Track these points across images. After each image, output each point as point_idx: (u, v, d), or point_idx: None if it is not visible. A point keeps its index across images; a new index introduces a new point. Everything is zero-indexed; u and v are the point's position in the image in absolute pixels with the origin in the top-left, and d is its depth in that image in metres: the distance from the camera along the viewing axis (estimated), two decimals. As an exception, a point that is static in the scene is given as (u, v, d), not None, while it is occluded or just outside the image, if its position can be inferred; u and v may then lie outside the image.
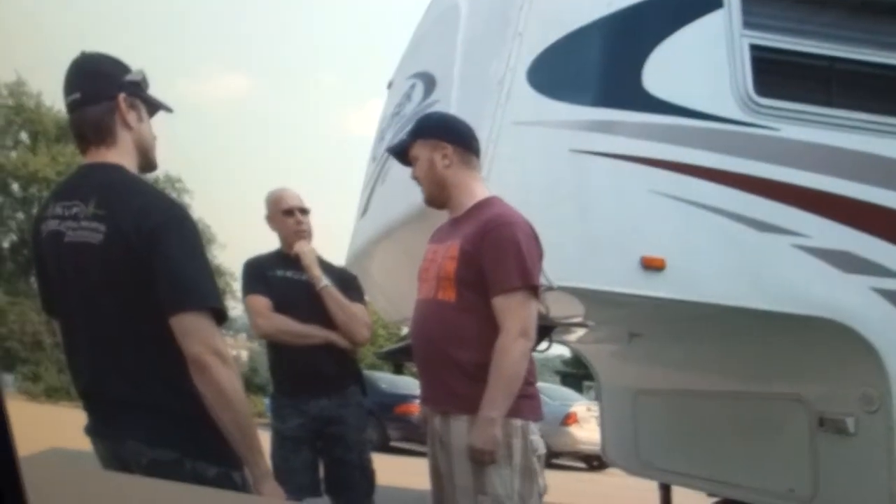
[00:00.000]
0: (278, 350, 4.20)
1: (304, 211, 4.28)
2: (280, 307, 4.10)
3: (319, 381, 4.12)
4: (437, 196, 3.30)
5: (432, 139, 3.26)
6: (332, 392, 4.15)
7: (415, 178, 3.34)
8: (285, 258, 4.23)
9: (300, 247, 4.17)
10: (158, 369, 2.38)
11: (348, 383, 4.22)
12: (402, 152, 3.42)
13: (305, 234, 4.24)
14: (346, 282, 4.31)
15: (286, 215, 4.24)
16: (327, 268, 4.24)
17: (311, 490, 4.08)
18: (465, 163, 3.27)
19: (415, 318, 3.32)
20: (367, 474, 4.18)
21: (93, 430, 2.50)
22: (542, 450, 3.11)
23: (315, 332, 4.06)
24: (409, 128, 3.51)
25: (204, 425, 2.33)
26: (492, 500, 2.98)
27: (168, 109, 2.70)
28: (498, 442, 2.95)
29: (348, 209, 6.28)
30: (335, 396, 4.14)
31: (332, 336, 4.08)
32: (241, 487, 2.40)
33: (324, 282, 4.10)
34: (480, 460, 2.97)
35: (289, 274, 4.19)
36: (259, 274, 4.21)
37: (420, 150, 3.28)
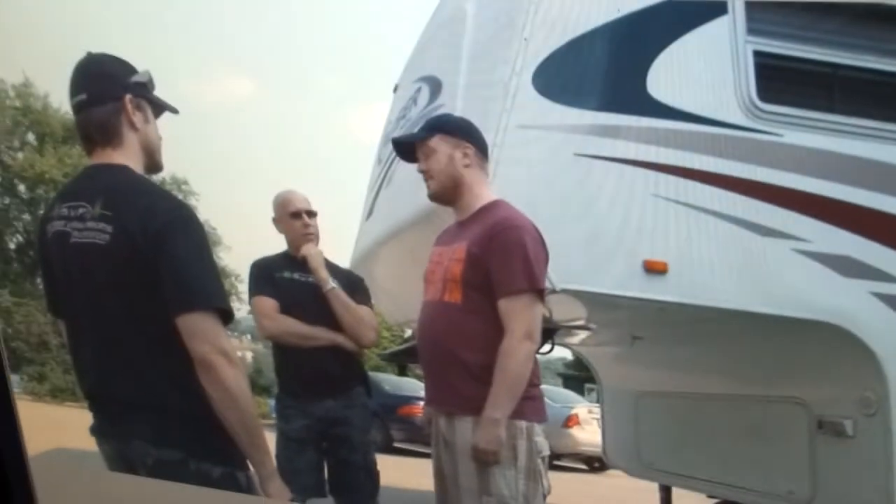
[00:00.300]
0: (284, 351, 4.21)
1: (312, 213, 4.29)
2: (287, 309, 4.11)
3: (325, 382, 4.13)
4: (448, 193, 3.30)
5: (456, 137, 3.28)
6: (338, 393, 4.15)
7: (424, 171, 3.33)
8: (292, 260, 4.24)
9: (307, 249, 4.18)
10: (164, 369, 2.38)
11: (354, 385, 4.23)
12: (411, 145, 3.42)
13: (313, 236, 4.25)
14: (353, 284, 4.32)
15: (293, 217, 4.25)
16: (334, 270, 4.25)
17: (315, 491, 4.09)
18: (481, 166, 3.31)
19: (421, 319, 3.34)
20: (372, 475, 4.19)
21: (98, 431, 2.50)
22: (546, 451, 3.12)
23: (321, 335, 4.07)
24: (424, 123, 3.51)
25: (209, 425, 2.34)
26: (496, 500, 3.00)
27: (174, 111, 2.70)
28: (502, 443, 2.97)
29: (354, 211, 6.29)
30: (341, 398, 4.15)
31: (339, 338, 4.09)
32: (247, 488, 2.41)
33: (331, 284, 4.11)
34: (484, 461, 2.98)
35: (296, 276, 4.19)
36: (266, 275, 4.22)
37: (440, 145, 3.27)
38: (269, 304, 4.11)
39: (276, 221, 4.34)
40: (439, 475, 3.26)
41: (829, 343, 4.06)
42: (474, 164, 3.26)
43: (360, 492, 4.16)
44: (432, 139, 3.30)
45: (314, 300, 4.10)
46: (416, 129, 3.56)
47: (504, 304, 3.03)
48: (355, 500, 4.16)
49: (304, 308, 4.11)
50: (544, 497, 3.10)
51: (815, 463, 4.35)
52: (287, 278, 4.20)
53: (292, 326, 4.08)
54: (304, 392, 4.15)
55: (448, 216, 3.39)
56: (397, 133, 5.09)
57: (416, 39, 5.84)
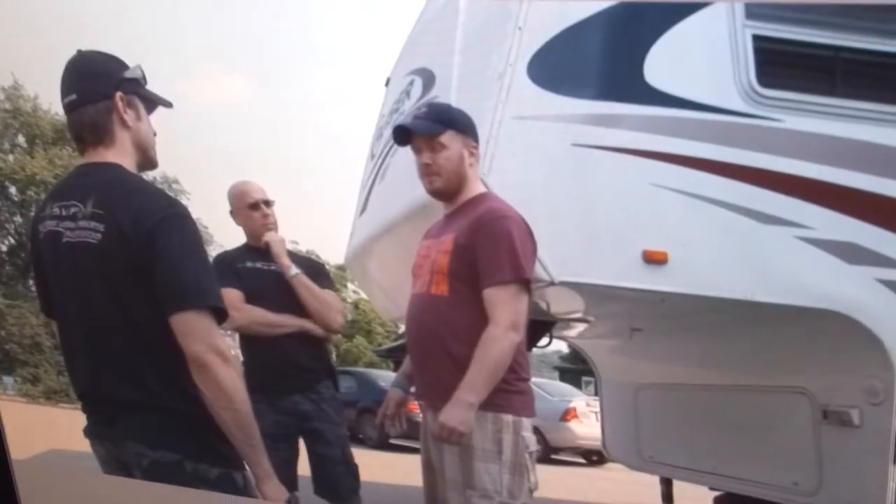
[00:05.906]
0: (252, 346, 4.20)
1: (269, 203, 4.32)
2: (252, 298, 4.11)
3: (294, 376, 4.16)
4: (452, 189, 3.31)
5: (466, 135, 3.31)
6: (306, 388, 4.18)
7: (429, 164, 3.30)
8: (254, 250, 4.26)
9: (270, 236, 4.22)
10: (158, 369, 2.36)
11: (322, 378, 4.25)
12: (409, 134, 3.38)
13: (273, 225, 4.28)
14: (315, 270, 4.34)
15: (252, 209, 4.28)
16: (296, 258, 4.29)
17: (287, 488, 4.09)
18: (478, 163, 3.37)
19: (409, 312, 3.34)
20: (351, 469, 4.20)
21: (92, 432, 2.48)
22: (533, 447, 3.11)
23: (289, 321, 4.10)
24: (430, 114, 3.45)
25: (204, 426, 2.32)
26: (480, 494, 3.00)
27: (168, 105, 2.67)
28: (470, 427, 2.94)
29: (347, 208, 6.25)
30: (309, 392, 4.18)
31: (307, 324, 4.12)
32: (243, 488, 2.39)
33: (294, 270, 4.14)
34: (447, 440, 2.96)
35: (258, 265, 4.21)
36: (229, 267, 4.20)
37: (452, 142, 3.27)
38: (234, 294, 4.08)
39: (234, 214, 4.35)
40: (428, 468, 3.28)
41: (834, 331, 4.01)
42: (475, 163, 3.32)
43: (342, 486, 4.17)
44: (444, 135, 3.28)
45: (279, 288, 4.13)
46: (432, 112, 3.48)
47: (489, 294, 3.03)
48: (339, 495, 4.16)
49: (269, 297, 4.12)
50: (531, 492, 3.10)
51: (820, 453, 4.30)
52: (250, 268, 4.21)
53: (259, 316, 4.08)
54: (272, 387, 4.13)
55: (441, 210, 3.38)
56: (390, 127, 5.03)
57: (407, 32, 5.79)
